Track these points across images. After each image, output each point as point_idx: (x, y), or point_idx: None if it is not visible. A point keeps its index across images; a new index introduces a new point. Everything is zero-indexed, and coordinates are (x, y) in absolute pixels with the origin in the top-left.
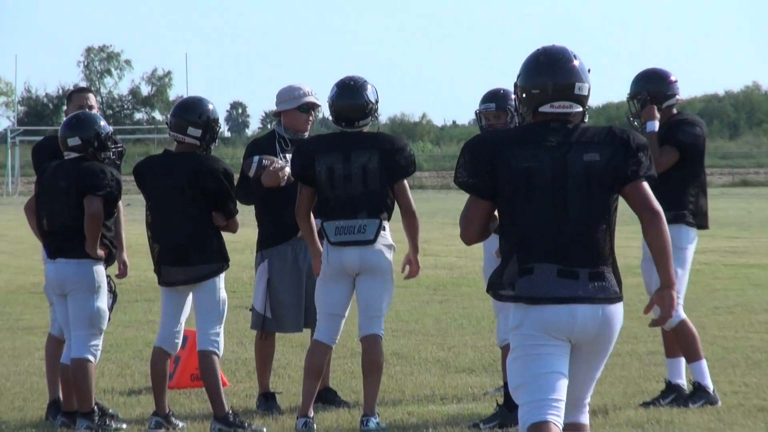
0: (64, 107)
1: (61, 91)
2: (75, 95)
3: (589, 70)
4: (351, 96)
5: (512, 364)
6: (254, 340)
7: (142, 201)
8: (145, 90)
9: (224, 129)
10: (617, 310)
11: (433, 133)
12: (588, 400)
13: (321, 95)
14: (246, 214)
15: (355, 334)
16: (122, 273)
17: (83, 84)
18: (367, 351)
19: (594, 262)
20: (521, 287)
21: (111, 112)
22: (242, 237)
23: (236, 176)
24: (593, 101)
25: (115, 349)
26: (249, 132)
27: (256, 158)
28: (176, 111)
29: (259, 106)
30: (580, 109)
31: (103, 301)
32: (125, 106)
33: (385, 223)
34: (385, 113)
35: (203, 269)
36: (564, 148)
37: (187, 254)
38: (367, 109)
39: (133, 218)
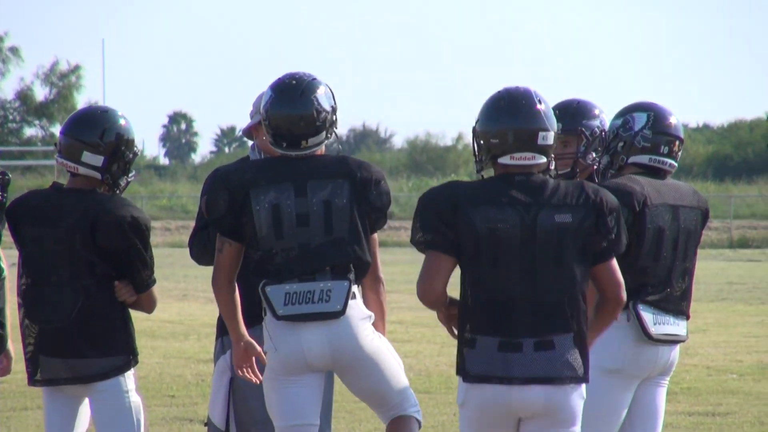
0: None
1: None
2: None
3: (554, 116)
4: (292, 102)
5: None
6: None
7: None
8: (41, 93)
9: (160, 154)
10: (565, 393)
11: (473, 163)
12: None
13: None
14: (192, 282)
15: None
16: (4, 368)
17: None
18: None
19: (544, 330)
20: (464, 361)
21: None
22: (185, 316)
23: (182, 224)
24: (717, 119)
25: None
26: (197, 158)
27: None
28: (67, 127)
29: (212, 120)
30: (544, 160)
31: None
32: (10, 117)
33: (355, 288)
34: (402, 133)
35: (96, 364)
36: (534, 209)
37: (70, 341)
38: (319, 121)
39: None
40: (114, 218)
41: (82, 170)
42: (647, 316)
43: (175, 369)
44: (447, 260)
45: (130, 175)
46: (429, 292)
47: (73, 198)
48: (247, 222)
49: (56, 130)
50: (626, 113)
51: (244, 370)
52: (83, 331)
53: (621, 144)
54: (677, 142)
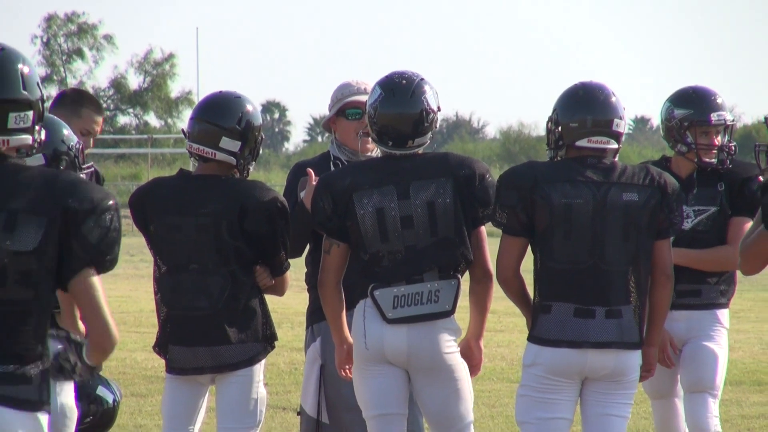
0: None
1: None
2: (85, 110)
3: (624, 109)
4: (404, 102)
5: (520, 399)
6: None
7: (132, 247)
8: (135, 81)
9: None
10: (631, 357)
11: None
12: None
13: None
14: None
15: None
16: None
17: (42, 71)
18: None
19: (613, 300)
20: (538, 327)
21: None
22: (277, 304)
23: None
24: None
25: None
26: (290, 147)
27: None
28: (203, 112)
29: (305, 109)
30: (616, 145)
31: (67, 395)
32: (104, 105)
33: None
34: (495, 123)
35: (239, 351)
36: (605, 187)
37: (217, 328)
38: (427, 122)
39: (113, 273)
40: (262, 204)
41: (219, 156)
42: None
43: (269, 357)
44: (519, 241)
45: (255, 162)
46: (502, 268)
47: (213, 185)
48: (351, 225)
49: (150, 118)
50: None
51: (346, 370)
52: (229, 317)
53: None
54: None
